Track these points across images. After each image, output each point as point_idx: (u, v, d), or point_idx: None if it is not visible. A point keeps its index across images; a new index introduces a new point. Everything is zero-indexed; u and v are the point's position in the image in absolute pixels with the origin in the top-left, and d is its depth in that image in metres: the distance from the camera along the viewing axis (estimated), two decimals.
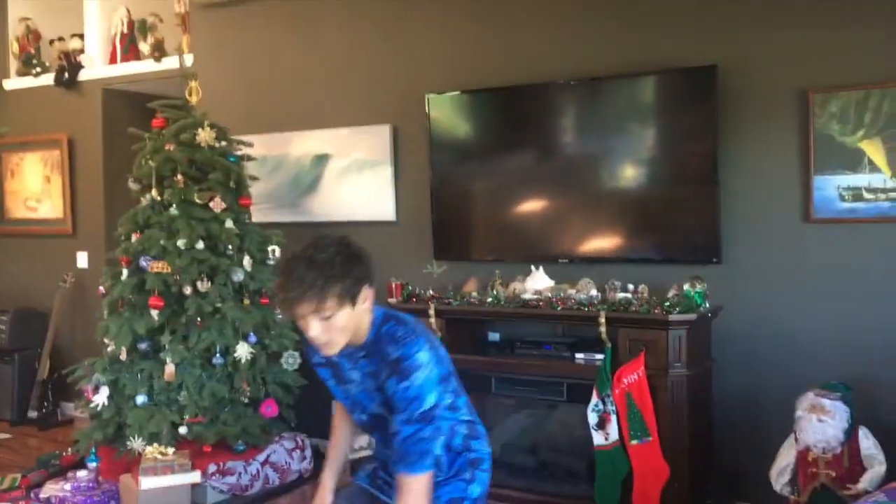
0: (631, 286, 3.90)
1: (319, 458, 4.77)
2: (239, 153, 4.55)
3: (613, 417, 3.61)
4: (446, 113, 4.57)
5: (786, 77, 3.73)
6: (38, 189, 6.24)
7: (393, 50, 4.83)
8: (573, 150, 4.30)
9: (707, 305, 3.68)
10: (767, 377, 3.81)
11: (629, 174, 4.10)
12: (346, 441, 2.49)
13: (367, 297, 2.00)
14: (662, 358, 3.57)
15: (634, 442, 3.57)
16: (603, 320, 3.66)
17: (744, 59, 3.80)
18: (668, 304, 3.60)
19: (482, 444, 2.31)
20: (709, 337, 3.86)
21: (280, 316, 4.41)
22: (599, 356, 3.75)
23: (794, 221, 3.75)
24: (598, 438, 3.67)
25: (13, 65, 6.33)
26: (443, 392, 2.03)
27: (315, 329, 1.94)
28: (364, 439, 4.57)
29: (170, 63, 5.42)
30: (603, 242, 4.14)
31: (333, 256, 1.95)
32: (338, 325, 1.96)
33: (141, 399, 4.13)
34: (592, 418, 3.67)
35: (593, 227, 4.17)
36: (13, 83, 6.32)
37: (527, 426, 4.30)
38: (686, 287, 3.67)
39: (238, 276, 4.26)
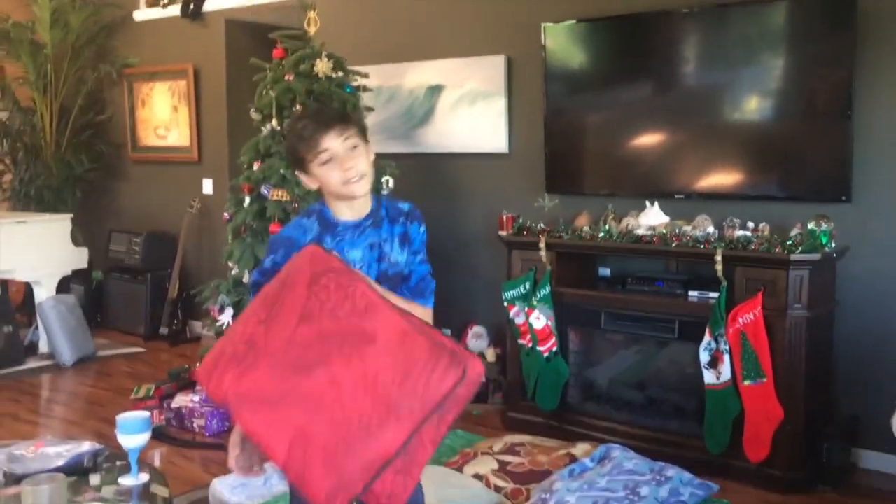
0: (751, 224, 3.77)
1: None
2: (355, 84, 4.61)
3: (726, 357, 3.55)
4: (562, 43, 4.47)
5: None
6: (166, 118, 6.54)
7: None
8: (694, 82, 4.13)
9: (833, 245, 3.52)
10: (894, 322, 3.63)
11: (753, 106, 3.92)
12: None
13: (372, 150, 2.01)
14: (781, 298, 3.46)
15: (748, 382, 3.50)
16: (719, 258, 3.56)
17: None
18: (790, 243, 3.47)
19: None
20: (833, 278, 3.70)
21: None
22: (714, 294, 3.67)
23: None
24: (709, 377, 3.62)
25: None
26: None
27: (348, 157, 1.89)
28: None
29: None
30: (722, 178, 4.00)
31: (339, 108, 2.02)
32: (364, 156, 1.94)
33: None
34: (704, 357, 3.62)
35: (712, 162, 4.03)
36: (142, 14, 6.57)
37: (635, 362, 4.29)
38: (811, 226, 3.51)
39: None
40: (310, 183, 1.97)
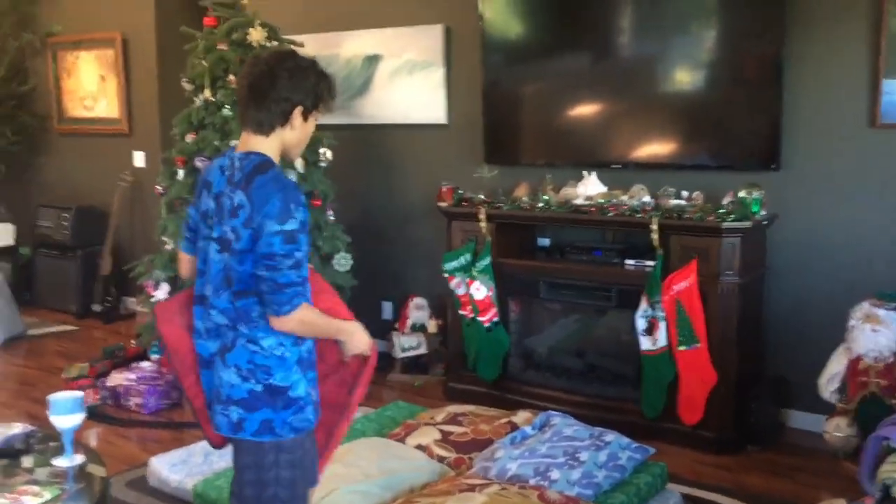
0: (685, 193, 3.84)
1: None
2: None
3: (662, 324, 3.63)
4: (500, 12, 4.45)
5: None
6: (94, 88, 6.32)
7: None
8: (629, 52, 4.17)
9: (763, 213, 3.62)
10: (821, 287, 3.76)
11: (686, 77, 3.98)
12: None
13: None
14: (714, 265, 3.55)
15: (682, 348, 3.59)
16: (655, 227, 3.63)
17: None
18: (722, 211, 3.55)
19: None
20: (763, 245, 3.81)
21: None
22: (650, 263, 3.74)
23: (859, 127, 3.63)
24: (645, 343, 3.70)
25: None
26: None
27: None
28: (414, 339, 4.68)
29: None
30: (657, 148, 4.06)
31: None
32: None
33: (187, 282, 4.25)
34: (641, 324, 3.69)
35: (648, 132, 4.09)
36: None
37: (574, 330, 4.35)
38: (742, 194, 3.60)
39: (291, 178, 4.29)
40: (294, 126, 1.96)
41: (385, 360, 4.87)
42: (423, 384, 4.58)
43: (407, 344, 4.69)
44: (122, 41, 6.06)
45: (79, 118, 6.46)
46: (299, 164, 4.33)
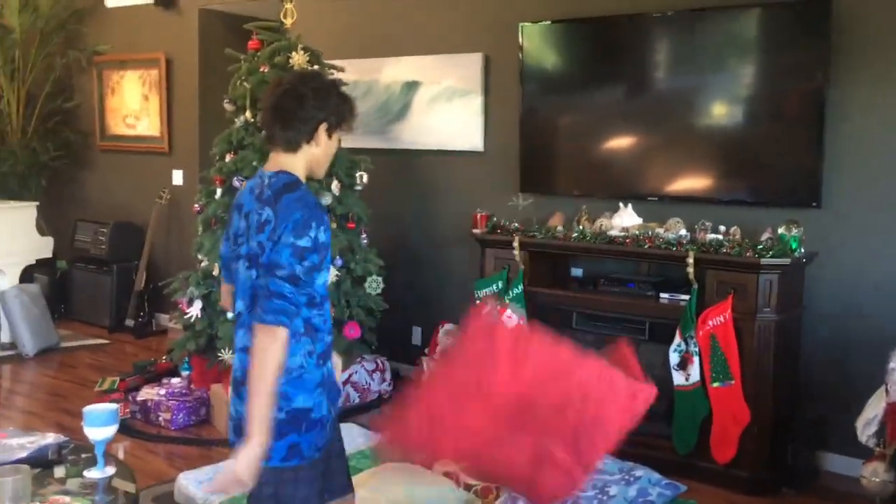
0: (722, 228, 3.81)
1: (398, 379, 4.91)
2: (332, 77, 4.57)
3: (696, 359, 3.58)
4: (539, 43, 4.47)
5: None
6: (136, 107, 6.44)
7: None
8: (667, 85, 4.17)
9: (802, 251, 3.57)
10: (860, 327, 3.69)
11: (725, 112, 3.97)
12: None
13: None
14: (751, 302, 3.50)
15: (716, 384, 3.53)
16: (691, 260, 3.59)
17: None
18: (760, 247, 3.51)
19: None
20: (802, 283, 3.75)
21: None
22: (685, 297, 3.70)
23: None
24: (678, 379, 3.65)
25: None
26: None
27: None
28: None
29: None
30: (694, 182, 4.04)
31: None
32: None
33: (231, 314, 4.28)
34: (674, 358, 3.65)
35: (685, 166, 4.06)
36: (114, 1, 6.46)
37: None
38: (781, 231, 3.56)
39: (326, 200, 4.32)
40: (319, 143, 2.02)
41: None
42: None
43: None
44: (166, 61, 6.18)
45: (121, 136, 6.57)
46: (335, 186, 4.37)
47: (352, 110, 2.06)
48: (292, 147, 2.00)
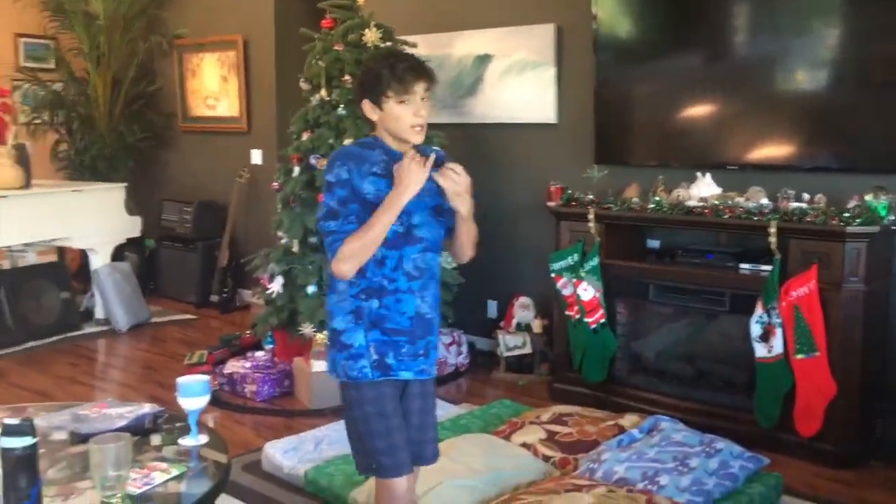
0: (806, 196, 3.70)
1: (474, 353, 4.96)
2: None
3: (779, 330, 3.50)
4: (612, 11, 4.40)
5: None
6: (216, 88, 6.60)
7: None
8: (747, 50, 4.05)
9: (891, 218, 3.44)
10: None
11: (809, 76, 3.83)
12: None
13: None
14: (837, 271, 3.40)
15: (800, 356, 3.46)
16: (773, 230, 3.51)
17: None
18: (847, 215, 3.40)
19: None
20: (891, 251, 3.63)
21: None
22: (766, 267, 3.62)
23: None
24: (760, 351, 3.58)
25: None
26: None
27: (423, 106, 2.15)
28: (520, 338, 4.68)
29: None
30: (776, 149, 3.93)
31: None
32: (427, 110, 2.18)
33: (311, 289, 4.39)
34: (756, 330, 3.58)
35: (766, 133, 3.95)
36: None
37: (684, 335, 4.26)
38: (868, 198, 3.44)
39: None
40: (371, 113, 2.17)
41: (490, 359, 4.91)
42: (528, 384, 4.58)
43: (512, 343, 4.70)
44: (244, 43, 6.31)
45: (201, 117, 6.76)
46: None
47: (395, 77, 2.10)
48: (366, 120, 2.22)
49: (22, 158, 5.35)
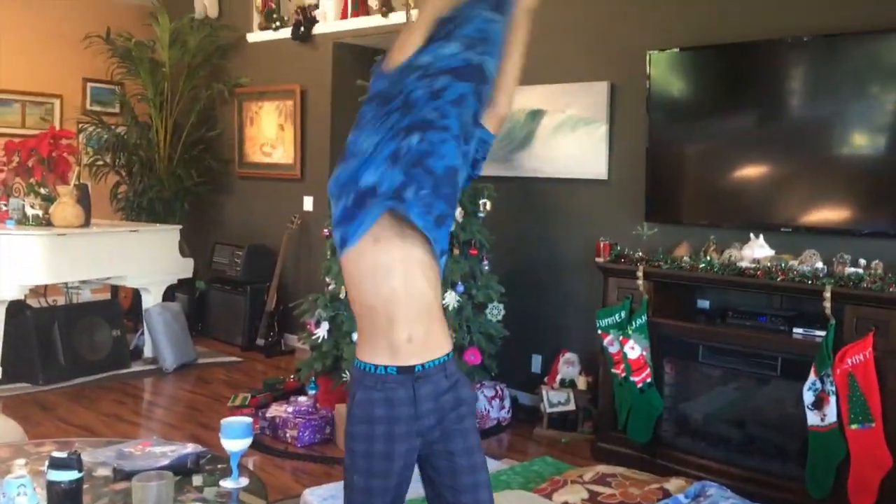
0: (863, 261, 3.62)
1: (517, 408, 4.90)
2: None
3: (832, 398, 3.40)
4: (666, 71, 4.42)
5: None
6: (272, 136, 6.77)
7: (613, 4, 4.72)
8: (802, 113, 4.02)
9: None
10: None
11: (865, 140, 3.79)
12: None
13: None
14: (894, 340, 3.30)
15: (854, 426, 3.34)
16: (828, 295, 3.43)
17: None
18: None
19: None
20: None
21: None
22: (820, 333, 3.53)
23: None
24: (813, 418, 3.48)
25: (256, 19, 6.85)
26: None
27: None
28: (564, 394, 4.61)
29: (396, 18, 5.63)
30: (831, 213, 3.86)
31: None
32: None
33: (356, 336, 4.40)
34: (808, 397, 3.48)
35: (821, 196, 3.90)
36: (255, 36, 6.84)
37: (734, 399, 4.15)
38: None
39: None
40: None
41: (532, 414, 4.84)
42: (571, 441, 4.50)
43: (556, 399, 4.64)
44: (301, 92, 6.47)
45: (257, 163, 6.92)
46: (459, 213, 4.44)
47: None
48: None
49: (83, 198, 5.52)
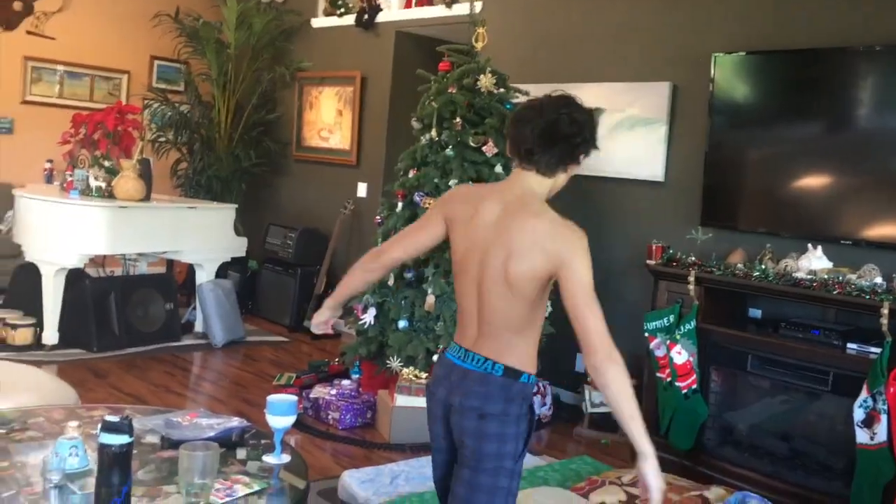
0: None
1: (559, 405, 4.88)
2: (515, 101, 4.66)
3: (884, 417, 3.32)
4: (731, 74, 4.34)
5: None
6: (331, 121, 6.84)
7: (678, 5, 4.65)
8: (870, 123, 3.91)
9: None
10: None
11: None
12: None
13: None
14: None
15: None
16: (886, 311, 3.34)
17: None
18: None
19: None
20: None
21: None
22: (876, 350, 3.44)
23: None
24: (862, 436, 3.40)
25: (321, 5, 6.91)
26: None
27: None
28: None
29: (460, 9, 5.64)
30: (894, 228, 3.76)
31: None
32: None
33: (402, 323, 4.44)
34: (859, 414, 3.40)
35: (884, 210, 3.79)
36: (320, 21, 6.91)
37: (781, 411, 4.08)
38: None
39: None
40: (569, 171, 2.08)
41: (574, 413, 4.82)
42: (611, 443, 4.47)
43: (598, 399, 4.62)
44: (362, 79, 6.52)
45: (314, 147, 7.00)
46: None
47: (596, 143, 2.05)
48: (549, 171, 2.04)
49: (145, 173, 5.65)
